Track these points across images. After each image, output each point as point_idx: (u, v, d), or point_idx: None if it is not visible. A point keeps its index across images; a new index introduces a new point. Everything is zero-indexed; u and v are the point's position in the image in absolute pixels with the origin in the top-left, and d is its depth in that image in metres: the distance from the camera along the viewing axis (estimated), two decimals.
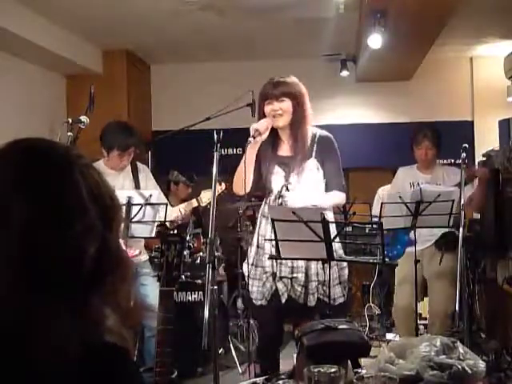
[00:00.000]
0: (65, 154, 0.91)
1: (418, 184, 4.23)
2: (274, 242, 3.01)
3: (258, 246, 3.11)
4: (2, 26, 4.32)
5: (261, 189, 3.17)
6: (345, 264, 3.15)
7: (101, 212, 0.88)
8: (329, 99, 6.64)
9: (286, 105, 3.04)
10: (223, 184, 3.86)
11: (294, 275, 3.01)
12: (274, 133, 3.08)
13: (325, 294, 3.01)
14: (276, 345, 3.25)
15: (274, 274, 3.04)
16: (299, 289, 3.01)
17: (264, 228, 3.10)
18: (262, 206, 3.19)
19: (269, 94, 3.05)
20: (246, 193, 2.99)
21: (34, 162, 0.88)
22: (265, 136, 2.99)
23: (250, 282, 3.10)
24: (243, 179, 2.90)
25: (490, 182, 4.31)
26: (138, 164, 3.97)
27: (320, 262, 3.01)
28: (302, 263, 3.01)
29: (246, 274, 3.15)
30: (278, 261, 3.02)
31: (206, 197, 3.97)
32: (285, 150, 3.14)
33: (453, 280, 3.89)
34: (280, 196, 3.08)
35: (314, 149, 3.09)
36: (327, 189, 3.13)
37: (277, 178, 3.10)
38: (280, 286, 3.03)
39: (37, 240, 0.83)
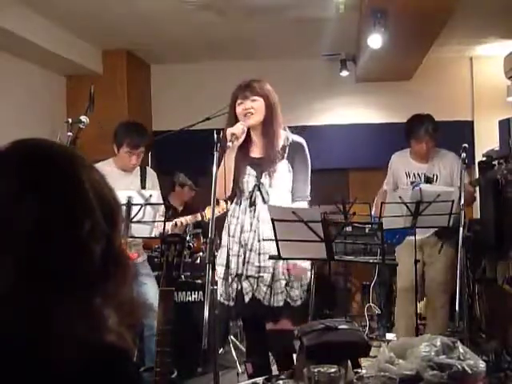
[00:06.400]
0: (68, 155, 0.92)
1: (414, 175, 4.25)
2: (244, 245, 3.02)
3: (227, 247, 3.10)
4: (2, 26, 4.32)
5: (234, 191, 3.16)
6: (308, 267, 3.14)
7: (104, 212, 0.89)
8: (329, 99, 6.64)
9: (258, 104, 3.07)
10: (223, 204, 3.86)
11: (261, 274, 3.01)
12: (246, 134, 3.09)
13: (288, 294, 3.02)
14: (259, 342, 3.25)
15: (239, 275, 3.04)
16: (264, 289, 3.00)
17: (233, 229, 3.10)
18: (233, 207, 3.18)
19: (241, 95, 3.08)
20: (226, 197, 3.04)
21: (39, 163, 0.88)
22: (241, 139, 3.02)
23: (224, 283, 3.09)
24: (223, 184, 2.92)
25: (489, 174, 4.33)
26: (148, 169, 4.01)
27: (285, 263, 3.03)
28: (269, 263, 3.01)
29: (218, 274, 3.13)
30: (246, 260, 3.04)
31: (210, 213, 3.99)
32: (256, 151, 3.15)
33: (451, 264, 3.95)
34: (251, 196, 3.09)
35: (286, 151, 3.11)
36: (292, 195, 3.14)
37: (248, 178, 3.11)
38: (245, 285, 3.03)
39: (45, 240, 0.83)
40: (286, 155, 3.10)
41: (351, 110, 6.73)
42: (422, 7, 4.04)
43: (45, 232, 0.83)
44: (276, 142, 3.09)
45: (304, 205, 3.12)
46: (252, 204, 3.08)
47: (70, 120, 3.36)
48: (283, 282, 3.02)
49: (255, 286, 3.02)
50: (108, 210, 0.90)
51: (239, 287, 3.04)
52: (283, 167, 3.10)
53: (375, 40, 4.40)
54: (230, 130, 2.96)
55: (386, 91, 6.54)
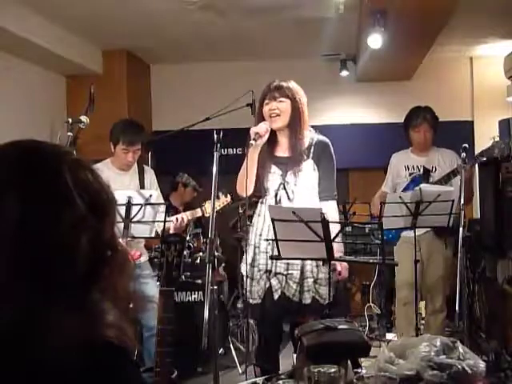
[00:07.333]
0: (52, 152, 0.92)
1: (413, 167, 4.25)
2: (271, 241, 3.03)
3: (254, 246, 3.12)
4: (2, 25, 4.32)
5: (258, 189, 3.20)
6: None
7: (91, 206, 0.88)
8: (329, 99, 6.64)
9: (284, 105, 3.09)
10: (229, 196, 3.87)
11: (289, 272, 3.03)
12: (272, 134, 3.12)
13: (317, 292, 3.05)
14: (275, 344, 3.24)
15: (268, 272, 3.06)
16: (294, 286, 3.03)
17: (261, 227, 3.13)
18: (259, 206, 3.21)
19: (267, 95, 3.12)
20: (248, 195, 3.05)
21: (23, 163, 0.88)
22: (265, 138, 3.05)
23: (248, 282, 3.11)
24: (245, 182, 2.94)
25: (489, 174, 4.31)
26: (145, 167, 4.01)
27: (314, 260, 3.04)
28: (297, 261, 3.03)
29: (245, 274, 3.16)
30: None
31: (210, 207, 3.98)
32: (282, 150, 3.18)
33: (450, 263, 3.95)
34: (276, 194, 3.11)
35: (312, 151, 3.14)
36: (319, 194, 3.16)
37: (273, 177, 3.13)
38: (274, 282, 3.05)
39: (28, 239, 0.83)
40: (311, 155, 3.13)
41: (351, 110, 6.73)
42: (422, 7, 4.04)
43: (28, 232, 0.83)
44: (302, 142, 3.12)
45: (333, 204, 3.16)
46: (277, 202, 3.11)
47: (70, 120, 3.36)
48: (310, 280, 3.04)
49: (283, 283, 3.03)
50: (95, 204, 0.89)
51: (267, 285, 3.06)
52: (308, 166, 3.12)
53: (375, 40, 4.40)
54: (253, 129, 3.00)
55: (386, 91, 6.53)
